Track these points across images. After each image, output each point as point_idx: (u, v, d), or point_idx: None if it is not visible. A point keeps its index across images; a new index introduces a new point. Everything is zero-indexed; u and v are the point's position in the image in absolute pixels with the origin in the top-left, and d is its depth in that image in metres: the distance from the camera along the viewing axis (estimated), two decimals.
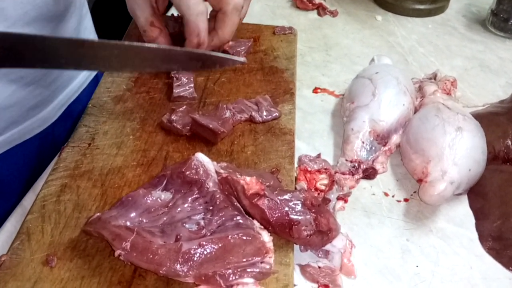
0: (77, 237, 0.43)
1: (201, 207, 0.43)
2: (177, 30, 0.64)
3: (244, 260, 0.40)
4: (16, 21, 0.56)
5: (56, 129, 0.70)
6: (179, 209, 0.43)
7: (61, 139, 0.59)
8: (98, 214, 0.43)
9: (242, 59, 0.52)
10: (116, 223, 0.41)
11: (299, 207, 0.43)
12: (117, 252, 0.40)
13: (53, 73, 0.65)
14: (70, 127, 0.68)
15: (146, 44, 0.49)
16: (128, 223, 0.42)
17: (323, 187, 0.51)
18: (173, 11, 0.72)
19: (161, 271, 0.38)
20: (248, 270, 0.39)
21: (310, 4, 0.85)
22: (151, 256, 0.39)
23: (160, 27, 0.58)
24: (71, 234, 0.44)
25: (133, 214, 0.43)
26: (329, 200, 0.50)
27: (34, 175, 0.57)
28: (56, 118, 0.69)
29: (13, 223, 0.50)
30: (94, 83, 0.76)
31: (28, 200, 0.52)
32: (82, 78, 0.74)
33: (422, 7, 0.84)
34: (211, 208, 0.43)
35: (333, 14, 0.85)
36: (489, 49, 0.77)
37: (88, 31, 0.75)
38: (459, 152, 0.51)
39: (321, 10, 0.85)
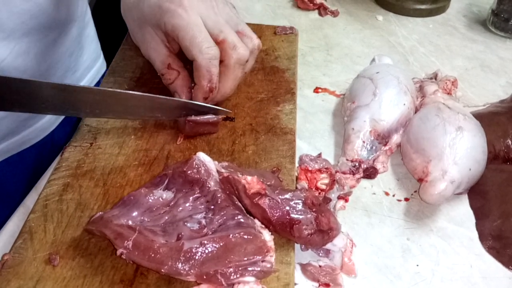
0: (79, 236, 0.44)
1: (203, 206, 0.44)
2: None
3: (245, 259, 0.40)
4: (12, 32, 0.54)
5: (56, 134, 0.69)
6: (180, 208, 0.43)
7: (61, 143, 0.58)
8: (100, 213, 0.43)
9: (229, 111, 0.53)
10: (118, 222, 0.42)
11: (300, 207, 0.43)
12: (119, 251, 0.40)
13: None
14: (70, 131, 0.67)
15: (129, 92, 0.50)
16: (130, 222, 0.42)
17: (324, 187, 0.51)
18: None
19: (162, 270, 0.39)
20: (249, 268, 0.40)
21: (311, 4, 0.85)
22: (153, 255, 0.39)
23: (178, 69, 0.54)
24: (74, 233, 0.44)
25: (135, 213, 0.43)
26: (330, 200, 0.51)
27: (35, 177, 0.56)
28: (54, 127, 0.68)
29: (15, 222, 0.50)
30: None
31: (30, 199, 0.52)
32: (85, 84, 0.73)
33: (423, 7, 0.84)
34: (212, 207, 0.43)
35: (334, 14, 0.85)
36: (489, 49, 0.78)
37: (90, 39, 0.73)
38: (460, 151, 0.51)
39: (322, 10, 0.85)
